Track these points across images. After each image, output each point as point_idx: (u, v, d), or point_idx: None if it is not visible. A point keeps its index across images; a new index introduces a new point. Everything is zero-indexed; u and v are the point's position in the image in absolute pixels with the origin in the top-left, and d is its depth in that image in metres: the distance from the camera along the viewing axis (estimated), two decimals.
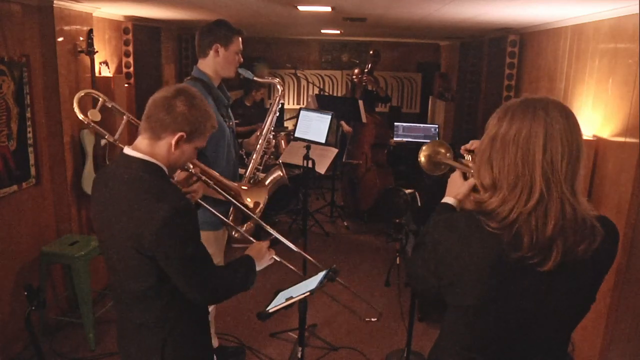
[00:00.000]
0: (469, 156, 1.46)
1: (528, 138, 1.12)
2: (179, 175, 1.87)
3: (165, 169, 1.55)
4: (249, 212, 2.22)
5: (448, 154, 1.60)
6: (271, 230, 2.20)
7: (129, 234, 1.46)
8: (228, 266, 1.75)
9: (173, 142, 1.51)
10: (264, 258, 1.87)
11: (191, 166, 1.87)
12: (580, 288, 1.21)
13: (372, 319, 2.31)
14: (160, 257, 1.47)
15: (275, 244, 2.02)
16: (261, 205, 2.30)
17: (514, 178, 1.14)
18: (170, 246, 1.45)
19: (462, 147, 1.49)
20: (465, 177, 1.41)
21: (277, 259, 1.97)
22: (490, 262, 1.16)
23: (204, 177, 1.92)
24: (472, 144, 1.46)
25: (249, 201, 2.26)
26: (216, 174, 2.19)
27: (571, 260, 1.14)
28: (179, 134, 1.51)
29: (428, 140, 5.85)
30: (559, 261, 1.12)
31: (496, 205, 1.16)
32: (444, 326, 1.39)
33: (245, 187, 2.33)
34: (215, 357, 2.84)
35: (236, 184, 2.29)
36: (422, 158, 1.60)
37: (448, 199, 1.39)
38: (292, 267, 2.20)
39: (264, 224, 2.23)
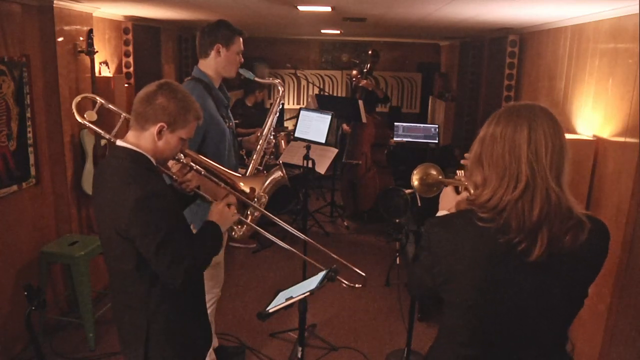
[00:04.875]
0: (461, 172, 1.50)
1: (513, 133, 1.21)
2: (172, 166, 1.88)
3: (151, 158, 1.65)
4: (245, 199, 2.21)
5: (440, 177, 1.63)
6: (274, 219, 2.21)
7: (110, 217, 1.58)
8: (196, 242, 1.72)
9: (155, 132, 1.62)
10: (227, 219, 1.88)
11: (182, 156, 1.90)
12: (571, 282, 1.25)
13: (357, 285, 2.36)
14: (136, 239, 1.56)
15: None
16: (258, 192, 2.28)
17: (502, 169, 1.21)
18: (143, 227, 1.54)
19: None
20: (457, 191, 1.47)
21: (241, 217, 2.04)
22: (484, 255, 1.21)
23: (195, 167, 1.94)
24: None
25: (243, 185, 2.26)
26: (209, 161, 2.19)
27: (559, 252, 1.19)
28: (159, 124, 1.62)
29: (428, 141, 5.92)
30: (547, 250, 1.17)
31: (487, 198, 1.23)
32: (441, 325, 1.42)
33: (239, 175, 2.33)
34: (215, 357, 2.86)
35: (230, 172, 2.28)
36: (415, 182, 1.65)
37: (442, 213, 1.44)
38: (272, 237, 2.23)
39: (264, 211, 2.23)
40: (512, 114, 1.23)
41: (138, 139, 1.65)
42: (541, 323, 1.26)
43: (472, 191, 1.32)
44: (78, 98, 1.90)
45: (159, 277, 1.64)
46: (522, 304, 1.23)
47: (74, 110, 1.86)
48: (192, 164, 1.93)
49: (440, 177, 1.64)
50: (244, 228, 2.33)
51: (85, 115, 1.88)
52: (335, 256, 2.24)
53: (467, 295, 1.25)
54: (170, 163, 1.88)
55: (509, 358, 1.30)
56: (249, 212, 2.32)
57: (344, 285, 2.28)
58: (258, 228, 2.25)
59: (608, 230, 1.28)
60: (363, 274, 2.31)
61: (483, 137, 1.27)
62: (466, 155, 1.52)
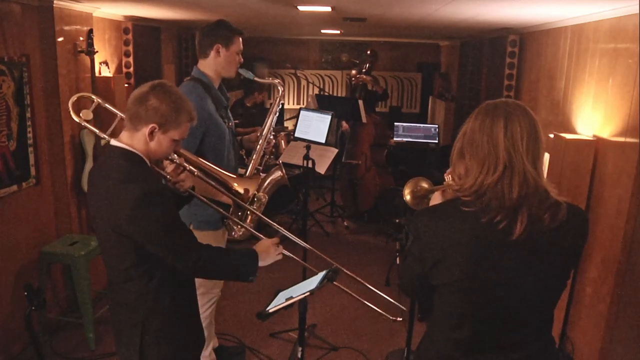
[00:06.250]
0: (449, 176, 1.55)
1: (491, 124, 1.30)
2: (167, 166, 1.89)
3: (144, 158, 1.67)
4: (238, 200, 2.21)
5: (430, 188, 1.68)
6: (269, 221, 2.20)
7: (108, 217, 1.60)
8: (229, 250, 1.84)
9: (147, 133, 1.63)
10: (269, 254, 1.91)
11: (176, 157, 1.91)
12: (552, 262, 1.31)
13: (398, 319, 2.38)
14: (138, 237, 1.58)
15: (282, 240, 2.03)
16: (252, 193, 2.28)
17: (482, 157, 1.30)
18: (145, 225, 1.57)
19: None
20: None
21: (287, 253, 2.00)
22: (468, 236, 1.28)
23: (189, 167, 1.94)
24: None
25: (237, 186, 2.25)
26: (203, 161, 2.18)
27: (539, 231, 1.26)
28: (151, 125, 1.62)
29: (428, 141, 5.93)
30: (527, 229, 1.24)
31: (470, 184, 1.31)
32: (432, 315, 1.48)
33: (234, 176, 2.32)
34: (215, 357, 2.86)
35: (225, 173, 2.28)
36: (407, 196, 1.71)
37: None
38: (305, 264, 2.24)
39: (258, 213, 2.23)
40: (490, 109, 1.33)
41: (131, 139, 1.66)
42: (526, 304, 1.32)
43: (456, 182, 1.39)
44: (74, 97, 1.92)
45: (159, 274, 1.67)
46: (508, 283, 1.29)
47: (70, 109, 1.87)
48: (185, 164, 1.93)
49: (430, 187, 1.69)
50: (247, 221, 2.32)
51: (81, 114, 1.89)
52: (371, 287, 2.31)
53: (454, 276, 1.30)
54: (165, 163, 1.89)
55: (497, 340, 1.35)
56: (248, 213, 2.32)
57: (386, 317, 2.35)
58: (256, 232, 2.23)
59: (585, 214, 1.37)
60: (403, 308, 2.38)
61: (464, 132, 1.37)
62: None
